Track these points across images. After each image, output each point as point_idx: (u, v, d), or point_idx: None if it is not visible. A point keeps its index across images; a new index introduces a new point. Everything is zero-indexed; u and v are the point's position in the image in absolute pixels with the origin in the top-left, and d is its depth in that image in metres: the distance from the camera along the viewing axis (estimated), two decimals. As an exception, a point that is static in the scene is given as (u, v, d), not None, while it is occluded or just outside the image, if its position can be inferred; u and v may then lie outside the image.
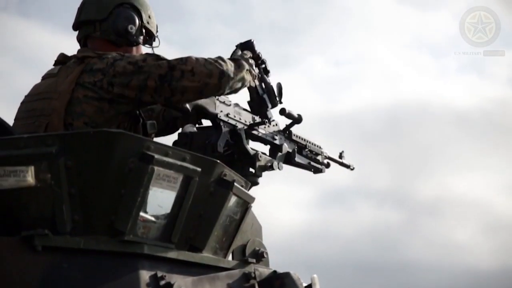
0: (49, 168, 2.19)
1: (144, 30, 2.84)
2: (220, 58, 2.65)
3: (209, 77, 2.55)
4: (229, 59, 2.71)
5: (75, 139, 2.25)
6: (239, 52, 2.96)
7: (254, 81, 2.87)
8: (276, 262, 2.85)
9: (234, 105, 3.03)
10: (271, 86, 3.09)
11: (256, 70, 2.95)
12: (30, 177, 2.17)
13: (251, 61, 2.88)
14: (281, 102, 3.12)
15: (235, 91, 2.74)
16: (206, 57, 2.62)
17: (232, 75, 2.62)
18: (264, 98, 3.06)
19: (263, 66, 3.07)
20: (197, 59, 2.57)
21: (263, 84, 3.05)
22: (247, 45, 3.01)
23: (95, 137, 2.25)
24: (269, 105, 3.08)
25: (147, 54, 2.64)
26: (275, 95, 3.08)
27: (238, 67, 2.68)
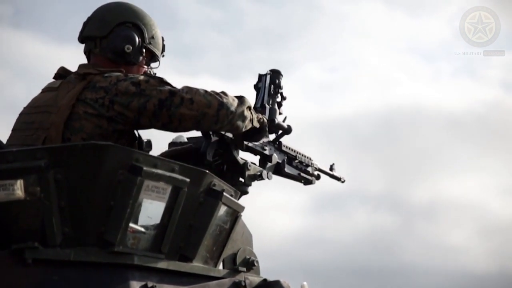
0: (39, 181, 2.21)
1: (145, 50, 2.84)
2: (223, 92, 2.66)
3: (207, 107, 2.56)
4: (235, 97, 2.72)
5: (64, 152, 2.27)
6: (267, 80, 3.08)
7: (254, 123, 2.85)
8: (272, 269, 2.87)
9: None
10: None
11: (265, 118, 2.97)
12: (19, 191, 2.20)
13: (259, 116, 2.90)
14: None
15: (236, 128, 2.72)
16: (209, 90, 2.63)
17: (232, 108, 2.62)
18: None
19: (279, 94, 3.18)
20: (198, 89, 2.59)
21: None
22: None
23: (83, 149, 2.27)
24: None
25: (151, 76, 2.65)
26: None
27: (241, 103, 2.68)
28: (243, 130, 2.76)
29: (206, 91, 2.60)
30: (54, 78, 2.78)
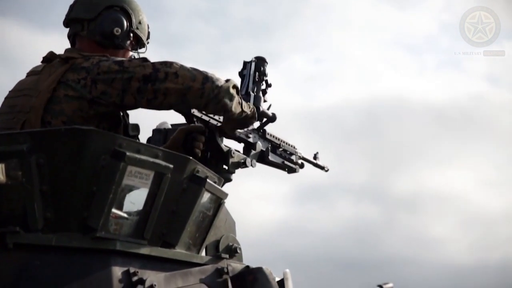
0: (20, 165, 2.20)
1: (132, 35, 2.83)
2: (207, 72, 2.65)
3: (192, 80, 2.54)
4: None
5: (46, 136, 2.26)
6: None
7: (245, 108, 2.83)
8: (254, 258, 2.87)
9: None
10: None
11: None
12: (0, 175, 2.18)
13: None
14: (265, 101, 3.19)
15: (224, 106, 2.66)
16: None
17: (217, 83, 2.59)
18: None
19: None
20: (182, 64, 2.58)
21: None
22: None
23: (66, 134, 2.26)
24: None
25: (133, 56, 2.65)
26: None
27: (227, 81, 2.66)
28: (233, 111, 2.71)
29: (191, 67, 2.59)
30: (42, 61, 2.77)
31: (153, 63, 2.56)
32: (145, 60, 2.58)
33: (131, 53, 2.87)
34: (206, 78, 2.57)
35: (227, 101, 2.65)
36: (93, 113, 2.54)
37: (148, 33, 2.93)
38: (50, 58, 2.73)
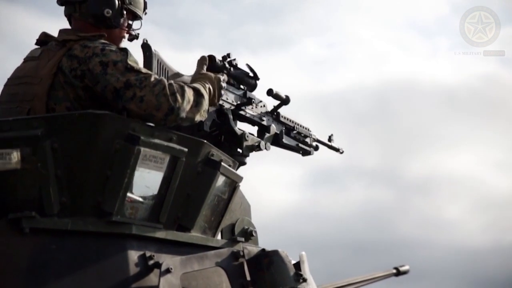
0: (35, 150, 2.20)
1: (125, 12, 2.80)
2: (181, 88, 2.53)
3: (156, 109, 2.45)
4: (193, 87, 2.59)
5: (60, 121, 2.25)
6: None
7: (219, 98, 2.76)
8: (267, 242, 2.86)
9: None
10: (240, 72, 3.07)
11: (224, 82, 2.86)
12: (16, 160, 2.17)
13: (219, 76, 2.78)
14: (258, 78, 3.11)
15: (191, 122, 2.58)
16: (171, 83, 2.51)
17: (182, 114, 2.50)
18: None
19: (228, 60, 3.04)
20: (155, 85, 2.47)
21: (230, 80, 3.03)
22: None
23: (80, 119, 2.26)
24: (245, 88, 3.08)
25: (123, 57, 2.52)
26: (249, 77, 3.07)
27: (196, 104, 2.55)
28: (198, 119, 2.61)
29: (163, 89, 2.47)
30: (36, 44, 2.75)
31: (129, 79, 2.46)
32: (127, 68, 2.48)
33: (126, 30, 2.81)
34: (171, 110, 2.46)
35: (189, 122, 2.57)
36: (89, 98, 2.50)
37: (145, 3, 2.88)
38: (44, 40, 2.71)
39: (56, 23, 2.82)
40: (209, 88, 2.68)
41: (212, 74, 2.74)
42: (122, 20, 2.77)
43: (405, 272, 4.44)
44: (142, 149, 2.29)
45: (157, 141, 2.33)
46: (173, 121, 2.50)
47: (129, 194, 2.30)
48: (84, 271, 2.22)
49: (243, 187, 2.78)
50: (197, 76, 2.74)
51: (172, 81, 2.54)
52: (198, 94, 2.58)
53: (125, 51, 2.56)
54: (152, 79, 2.48)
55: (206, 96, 2.62)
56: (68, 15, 2.78)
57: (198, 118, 2.59)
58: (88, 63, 2.49)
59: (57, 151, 2.22)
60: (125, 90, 2.45)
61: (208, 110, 2.66)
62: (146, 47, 2.81)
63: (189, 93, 2.54)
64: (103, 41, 2.62)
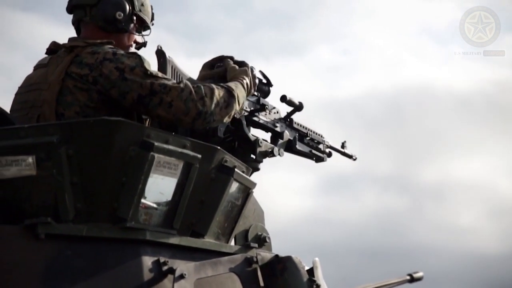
0: (51, 157, 2.22)
1: (135, 18, 2.82)
2: (211, 91, 2.58)
3: (184, 114, 2.52)
4: (226, 87, 2.65)
5: (75, 128, 2.27)
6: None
7: (255, 87, 2.87)
8: (281, 249, 2.86)
9: None
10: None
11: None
12: (31, 166, 2.20)
13: (251, 67, 2.87)
14: (271, 85, 3.12)
15: (219, 123, 2.71)
16: (199, 86, 2.56)
17: (210, 118, 2.57)
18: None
19: None
20: (182, 90, 2.52)
21: None
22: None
23: (95, 125, 2.27)
24: (258, 95, 3.09)
25: (138, 61, 2.54)
26: (263, 83, 3.08)
27: (226, 106, 2.62)
28: (229, 117, 2.70)
29: (191, 94, 2.52)
30: (46, 53, 2.77)
31: (152, 84, 2.50)
32: (147, 73, 2.51)
33: (136, 35, 2.85)
34: (199, 114, 2.53)
35: (218, 122, 2.67)
36: (102, 103, 2.52)
37: (152, 14, 2.90)
38: (54, 48, 2.73)
39: (72, 32, 2.84)
40: (247, 84, 2.79)
41: (245, 68, 2.85)
42: (131, 25, 2.79)
43: (419, 279, 4.41)
44: (156, 155, 2.31)
45: (171, 147, 2.35)
46: (201, 125, 2.57)
47: (143, 200, 2.32)
48: (99, 277, 2.23)
49: (256, 193, 2.79)
50: (235, 73, 2.83)
51: (201, 84, 2.58)
52: (230, 95, 2.65)
53: (137, 55, 2.58)
54: (176, 83, 2.53)
55: (241, 94, 2.72)
56: (76, 21, 2.80)
57: (226, 119, 2.66)
58: (101, 68, 2.51)
59: (72, 158, 2.24)
60: (151, 96, 2.49)
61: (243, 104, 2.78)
62: (160, 54, 2.84)
63: (219, 95, 2.61)
64: (111, 46, 2.64)
